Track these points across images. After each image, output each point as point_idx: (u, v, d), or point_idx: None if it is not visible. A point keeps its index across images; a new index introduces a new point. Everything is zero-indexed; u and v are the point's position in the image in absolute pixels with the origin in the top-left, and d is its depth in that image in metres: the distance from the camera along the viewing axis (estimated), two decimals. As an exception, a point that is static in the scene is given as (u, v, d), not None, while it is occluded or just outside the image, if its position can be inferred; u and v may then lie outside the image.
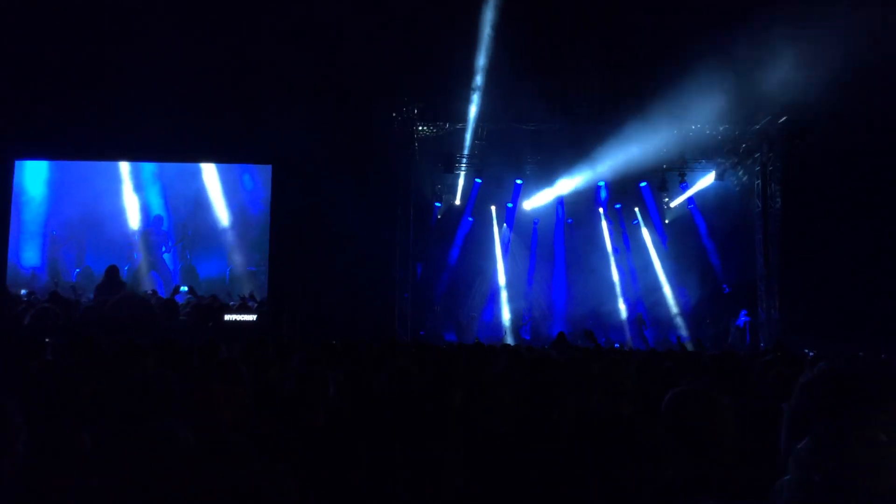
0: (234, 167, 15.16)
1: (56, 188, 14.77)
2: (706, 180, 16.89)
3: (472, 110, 14.95)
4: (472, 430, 3.24)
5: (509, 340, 16.75)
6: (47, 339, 4.21)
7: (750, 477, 2.08)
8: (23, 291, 13.46)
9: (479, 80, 14.16)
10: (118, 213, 15.01)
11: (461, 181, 17.21)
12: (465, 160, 16.39)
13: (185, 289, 13.66)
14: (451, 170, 16.52)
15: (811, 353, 10.31)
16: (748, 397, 3.50)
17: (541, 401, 2.90)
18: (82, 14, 12.63)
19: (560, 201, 18.14)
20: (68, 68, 13.14)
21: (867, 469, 1.35)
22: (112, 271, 12.84)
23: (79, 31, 12.87)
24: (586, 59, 13.67)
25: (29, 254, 14.66)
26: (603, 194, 18.21)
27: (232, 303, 13.50)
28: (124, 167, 14.95)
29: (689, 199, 17.54)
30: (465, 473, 2.91)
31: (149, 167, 15.04)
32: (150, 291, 13.47)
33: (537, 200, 18.20)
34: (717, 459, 2.16)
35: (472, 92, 14.37)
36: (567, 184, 17.62)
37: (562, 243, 18.53)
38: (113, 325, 9.96)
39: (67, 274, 14.53)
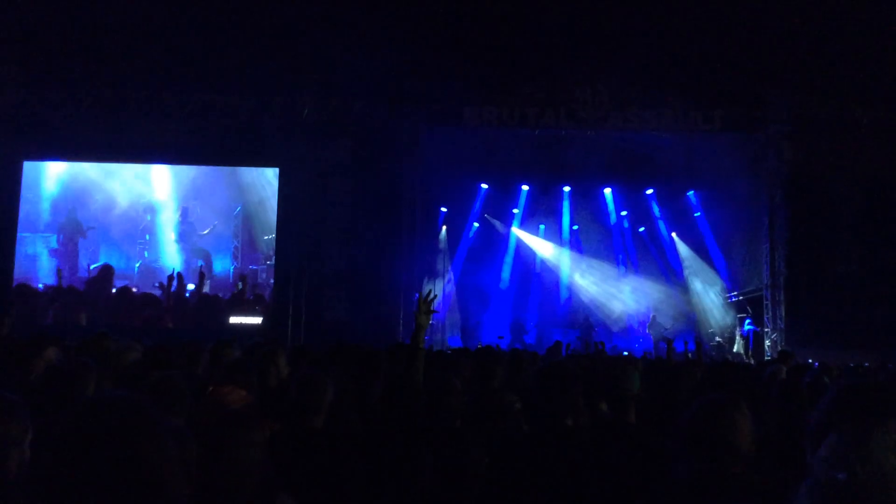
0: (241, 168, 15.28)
1: (71, 185, 14.91)
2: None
3: (480, 114, 14.92)
4: (476, 434, 3.23)
5: (513, 346, 16.70)
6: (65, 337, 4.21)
7: (760, 483, 2.07)
8: (40, 286, 13.58)
9: (484, 83, 14.18)
10: (130, 211, 15.20)
11: (468, 186, 17.16)
12: (472, 166, 16.38)
13: (192, 287, 13.77)
14: (458, 175, 16.50)
15: (816, 364, 10.27)
16: (756, 407, 3.48)
17: (549, 406, 2.90)
18: (92, 15, 12.69)
19: (569, 206, 18.13)
20: (76, 70, 13.21)
21: (891, 469, 1.33)
22: (107, 271, 13.09)
23: (88, 33, 12.93)
24: (592, 65, 13.71)
25: (44, 249, 14.76)
26: (610, 203, 18.17)
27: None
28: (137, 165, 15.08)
29: (696, 206, 17.50)
30: (472, 478, 2.91)
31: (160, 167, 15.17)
32: (156, 284, 13.49)
33: (543, 205, 18.19)
34: (731, 469, 2.13)
35: (479, 96, 14.36)
36: (574, 189, 17.61)
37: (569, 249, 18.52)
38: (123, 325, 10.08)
39: (82, 269, 14.62)
